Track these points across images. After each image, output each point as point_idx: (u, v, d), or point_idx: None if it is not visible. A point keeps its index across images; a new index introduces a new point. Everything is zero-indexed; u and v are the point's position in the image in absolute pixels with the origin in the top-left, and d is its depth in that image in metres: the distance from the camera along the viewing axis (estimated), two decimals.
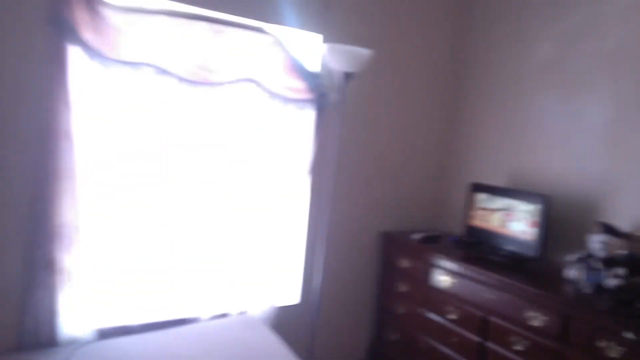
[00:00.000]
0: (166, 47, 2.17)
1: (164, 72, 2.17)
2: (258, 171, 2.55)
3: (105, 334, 2.26)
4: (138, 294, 2.35)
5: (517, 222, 2.65)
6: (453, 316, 2.63)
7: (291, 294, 2.97)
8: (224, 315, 2.60)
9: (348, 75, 2.45)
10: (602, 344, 1.99)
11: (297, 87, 2.51)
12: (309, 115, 2.60)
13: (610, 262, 2.25)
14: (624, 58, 2.46)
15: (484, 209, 2.85)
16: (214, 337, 2.29)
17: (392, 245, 3.12)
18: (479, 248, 2.81)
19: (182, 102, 2.28)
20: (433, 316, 2.76)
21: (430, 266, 2.79)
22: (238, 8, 2.35)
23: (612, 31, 2.51)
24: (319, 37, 2.70)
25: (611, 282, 2.21)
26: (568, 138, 2.69)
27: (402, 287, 2.98)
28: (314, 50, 2.76)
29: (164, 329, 2.32)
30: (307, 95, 2.55)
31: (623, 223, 2.38)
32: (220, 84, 2.32)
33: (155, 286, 2.38)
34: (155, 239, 2.34)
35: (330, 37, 2.65)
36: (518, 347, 2.30)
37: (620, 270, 2.20)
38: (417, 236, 2.99)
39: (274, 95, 2.45)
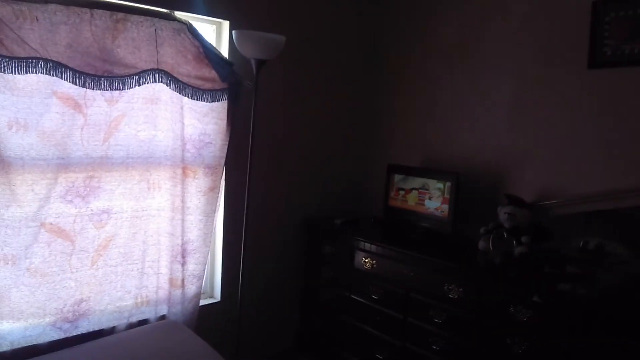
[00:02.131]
0: (61, 39, 1.95)
1: (60, 66, 1.95)
2: (169, 165, 2.40)
3: (7, 359, 2.04)
4: (42, 306, 2.13)
5: (431, 200, 2.78)
6: (376, 296, 2.70)
7: (211, 292, 2.89)
8: (142, 323, 2.45)
9: (260, 62, 2.37)
10: (513, 309, 2.14)
11: (209, 76, 2.39)
12: (221, 106, 2.48)
13: (516, 231, 2.43)
14: (526, 38, 2.63)
15: (401, 189, 2.94)
16: (135, 346, 2.14)
17: (315, 232, 3.13)
18: (397, 228, 2.91)
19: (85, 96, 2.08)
20: (358, 298, 2.82)
21: (352, 249, 2.84)
22: None
23: (515, 12, 2.67)
24: (226, 24, 2.60)
25: (518, 250, 2.39)
26: (476, 117, 2.85)
27: (327, 273, 3.00)
28: (222, 38, 2.65)
29: (76, 345, 2.14)
30: (218, 85, 2.43)
31: (528, 194, 2.57)
32: (125, 76, 2.13)
33: (61, 294, 2.18)
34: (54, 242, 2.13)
35: (238, 24, 2.55)
36: (437, 320, 2.42)
37: (525, 239, 2.38)
38: (338, 221, 3.02)
39: (184, 85, 2.31)
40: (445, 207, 2.69)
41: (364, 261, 2.76)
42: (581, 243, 2.37)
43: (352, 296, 2.84)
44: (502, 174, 2.73)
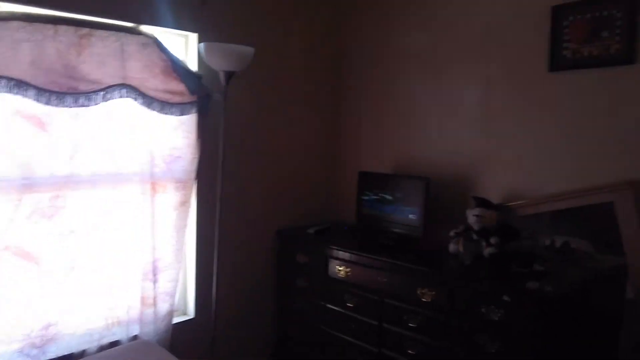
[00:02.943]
0: (24, 57, 1.90)
1: (23, 84, 1.89)
2: (137, 180, 2.36)
3: None
4: (8, 332, 2.05)
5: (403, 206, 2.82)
6: (351, 304, 2.72)
7: (185, 309, 2.84)
8: (113, 344, 2.38)
9: (229, 75, 2.37)
10: (484, 308, 2.19)
11: (177, 89, 2.37)
12: (191, 119, 2.46)
13: (484, 232, 2.50)
14: (489, 43, 2.71)
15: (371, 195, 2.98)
16: None
17: (288, 242, 3.12)
18: (370, 234, 2.94)
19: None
20: (332, 307, 2.82)
21: (326, 258, 2.84)
22: (104, 10, 2.15)
23: (477, 18, 2.75)
24: (194, 37, 2.58)
25: (487, 251, 2.46)
26: (443, 122, 2.91)
27: (302, 283, 3.00)
28: (190, 50, 2.63)
29: None
30: (187, 98, 2.41)
31: (495, 196, 2.65)
32: (90, 92, 2.09)
33: (27, 319, 2.09)
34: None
35: (206, 36, 2.54)
36: (412, 324, 2.44)
37: (494, 239, 2.45)
38: (311, 230, 3.03)
39: (151, 100, 2.28)
40: (417, 212, 2.74)
41: (339, 269, 2.77)
42: (548, 241, 2.47)
43: (328, 305, 2.84)
44: (471, 177, 2.80)
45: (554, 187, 2.49)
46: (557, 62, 2.44)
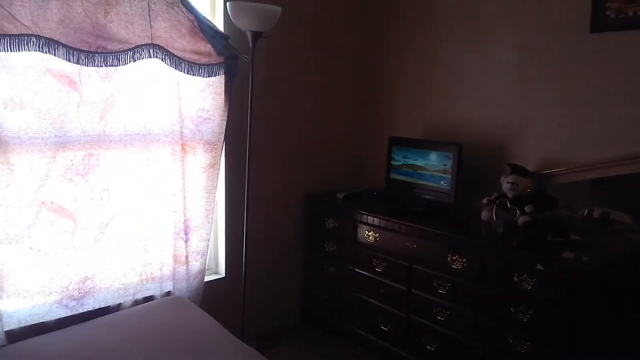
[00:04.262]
0: (53, 15, 1.92)
1: (52, 43, 1.92)
2: (167, 141, 2.39)
3: (15, 336, 2.07)
4: (47, 284, 2.15)
5: (434, 172, 2.75)
6: (380, 269, 2.71)
7: (216, 268, 2.91)
8: (147, 299, 2.47)
9: (256, 35, 2.33)
10: (516, 278, 2.13)
11: (204, 50, 2.35)
12: (219, 81, 2.45)
13: (519, 200, 2.41)
14: (526, 4, 2.56)
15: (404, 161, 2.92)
16: (141, 323, 2.16)
17: (317, 206, 3.12)
18: (399, 200, 2.90)
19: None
20: (361, 271, 2.82)
21: (355, 223, 2.83)
22: None
23: None
24: None
25: (521, 219, 2.37)
26: (477, 86, 2.80)
27: (330, 247, 3.01)
28: (217, 11, 2.60)
29: (84, 322, 2.16)
30: (215, 59, 2.39)
31: (531, 163, 2.54)
32: (119, 52, 2.10)
33: (65, 272, 2.19)
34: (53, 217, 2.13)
35: None
36: (441, 291, 2.42)
37: (529, 208, 2.36)
38: (340, 195, 3.01)
39: (179, 60, 2.28)
40: (448, 178, 2.66)
41: (367, 235, 2.76)
42: (585, 211, 2.36)
43: (356, 269, 2.85)
44: (505, 143, 2.69)
45: (593, 154, 2.36)
46: (600, 23, 2.29)
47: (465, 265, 2.32)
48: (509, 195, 2.43)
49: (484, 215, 2.52)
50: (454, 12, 2.86)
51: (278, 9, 2.30)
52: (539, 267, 2.06)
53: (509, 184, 2.43)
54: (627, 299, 2.14)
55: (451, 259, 2.37)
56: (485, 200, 2.53)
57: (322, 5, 3.04)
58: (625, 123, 2.27)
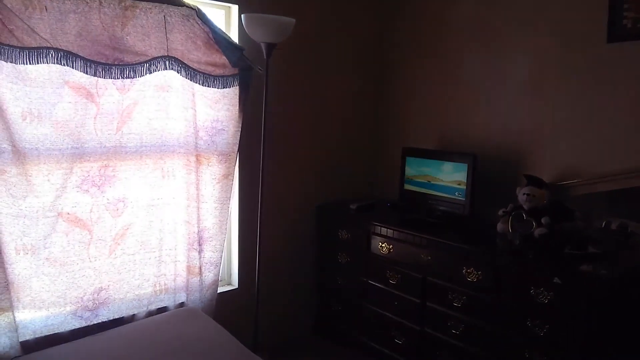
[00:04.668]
0: (71, 28, 1.95)
1: (70, 55, 1.94)
2: (182, 152, 2.40)
3: (30, 347, 2.07)
4: (62, 295, 2.16)
5: (448, 183, 2.73)
6: (393, 281, 2.68)
7: (229, 279, 2.90)
8: (161, 310, 2.47)
9: (270, 47, 2.34)
10: (533, 291, 2.10)
11: (219, 62, 2.37)
12: (233, 92, 2.46)
13: (535, 212, 2.38)
14: (543, 13, 2.55)
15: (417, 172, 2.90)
16: (155, 334, 2.16)
17: (330, 217, 3.11)
18: (413, 212, 2.88)
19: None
20: (375, 283, 2.80)
21: (368, 234, 2.81)
22: None
23: None
24: (235, 8, 2.57)
25: (537, 231, 2.34)
26: (492, 97, 2.78)
27: (343, 258, 2.99)
28: (231, 23, 2.62)
29: (98, 333, 2.16)
30: (229, 71, 2.41)
31: (547, 174, 2.52)
32: (135, 64, 2.12)
33: (80, 283, 2.20)
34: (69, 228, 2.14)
35: (247, 8, 2.52)
36: (456, 304, 2.39)
37: (545, 219, 2.33)
38: (353, 206, 3.00)
39: (194, 72, 2.30)
40: (463, 189, 2.64)
41: (381, 246, 2.74)
42: (603, 223, 2.32)
43: (370, 281, 2.83)
44: (521, 154, 2.66)
45: (611, 165, 2.33)
46: (616, 33, 2.27)
47: (480, 277, 2.30)
48: (525, 206, 2.40)
49: (500, 227, 2.49)
50: (469, 23, 2.86)
51: (292, 20, 2.31)
52: (556, 280, 2.03)
53: (525, 195, 2.40)
54: None
55: (466, 271, 2.34)
56: (500, 212, 2.50)
57: (336, 17, 3.05)
58: None
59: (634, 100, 2.27)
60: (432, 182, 2.80)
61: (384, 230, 2.72)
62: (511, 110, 2.70)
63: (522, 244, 2.34)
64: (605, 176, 2.35)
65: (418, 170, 2.88)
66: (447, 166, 2.72)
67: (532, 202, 2.38)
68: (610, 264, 2.00)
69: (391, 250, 2.69)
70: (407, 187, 2.94)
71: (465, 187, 2.62)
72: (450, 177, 2.71)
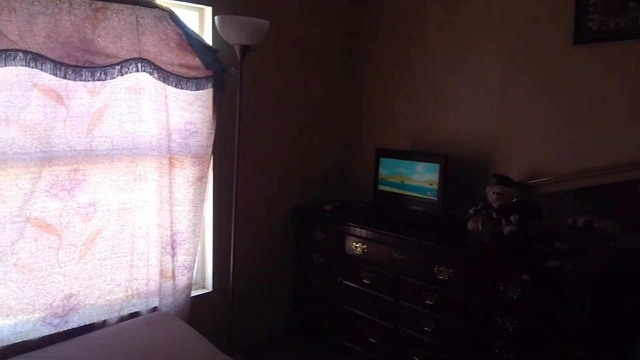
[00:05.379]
0: (40, 30, 1.91)
1: (40, 58, 1.90)
2: (155, 155, 2.37)
3: None
4: (31, 302, 2.11)
5: (420, 183, 2.78)
6: (367, 280, 2.71)
7: (203, 283, 2.88)
8: (133, 315, 2.43)
9: (244, 49, 2.34)
10: (503, 287, 2.16)
11: (193, 64, 2.35)
12: (207, 94, 2.45)
13: (504, 210, 2.45)
14: (509, 15, 2.62)
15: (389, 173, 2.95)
16: (127, 339, 2.13)
17: (305, 218, 3.12)
18: (387, 212, 2.92)
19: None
20: (349, 283, 2.83)
21: (343, 235, 2.84)
22: None
23: None
24: (209, 10, 2.56)
25: (507, 229, 2.41)
26: (462, 98, 2.85)
27: (319, 259, 3.01)
28: (205, 24, 2.61)
29: (68, 340, 2.11)
30: (203, 73, 2.40)
31: (516, 173, 2.59)
32: (106, 66, 2.09)
33: (50, 289, 2.15)
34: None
35: (221, 9, 2.51)
36: (428, 301, 2.43)
37: (514, 217, 2.40)
38: (328, 207, 3.02)
39: (167, 74, 2.28)
40: (434, 189, 2.70)
41: (355, 246, 2.77)
42: (570, 220, 2.40)
43: (344, 281, 2.85)
44: (490, 154, 2.74)
45: (577, 164, 2.42)
46: (582, 34, 2.35)
47: (452, 275, 2.35)
48: (495, 205, 2.47)
49: (470, 225, 2.55)
50: (439, 26, 2.91)
51: (266, 22, 2.32)
52: (524, 276, 2.09)
53: (495, 194, 2.46)
54: (612, 306, 2.18)
55: (438, 269, 2.39)
56: (471, 211, 2.56)
57: (309, 18, 3.07)
58: (608, 133, 2.33)
59: (598, 100, 2.35)
60: (405, 183, 2.85)
61: (358, 231, 2.75)
62: (480, 111, 2.77)
63: (492, 242, 2.40)
64: (571, 175, 2.43)
65: (391, 171, 2.92)
66: (420, 167, 2.78)
67: (502, 200, 2.45)
68: (577, 260, 2.07)
69: (365, 250, 2.72)
70: (381, 187, 2.98)
71: (437, 187, 2.68)
72: (423, 177, 2.76)
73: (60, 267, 2.16)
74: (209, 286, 2.84)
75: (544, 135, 2.54)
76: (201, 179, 2.52)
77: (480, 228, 2.50)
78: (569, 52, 2.41)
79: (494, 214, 2.47)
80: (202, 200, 2.55)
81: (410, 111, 3.10)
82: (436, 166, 2.68)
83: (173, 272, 2.50)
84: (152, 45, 2.23)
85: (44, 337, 2.15)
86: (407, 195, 2.84)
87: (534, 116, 2.57)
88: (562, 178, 2.46)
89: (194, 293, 2.70)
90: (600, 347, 2.10)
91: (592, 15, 2.31)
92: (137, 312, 2.46)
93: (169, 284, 2.51)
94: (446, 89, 2.91)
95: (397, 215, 2.82)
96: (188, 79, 2.35)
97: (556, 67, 2.47)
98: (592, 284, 2.06)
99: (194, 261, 2.60)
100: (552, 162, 2.51)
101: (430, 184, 2.71)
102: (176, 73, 2.31)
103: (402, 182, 2.87)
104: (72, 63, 2.01)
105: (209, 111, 2.47)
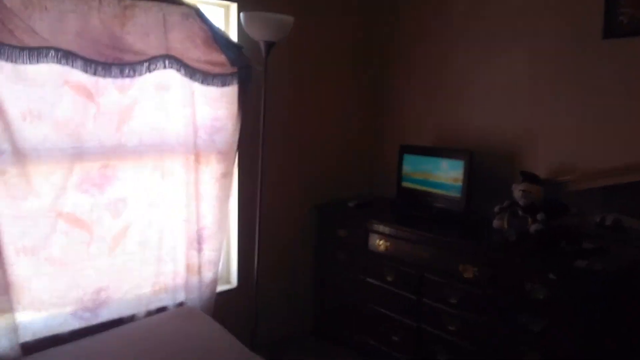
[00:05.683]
0: (70, 28, 1.93)
1: (70, 55, 1.93)
2: (182, 151, 2.39)
3: (30, 348, 2.06)
4: (62, 295, 2.15)
5: (445, 180, 2.76)
6: (390, 278, 2.71)
7: (228, 278, 2.91)
8: (160, 310, 2.47)
9: (269, 45, 2.35)
10: (528, 287, 2.14)
11: (218, 60, 2.36)
12: (232, 91, 2.46)
13: (531, 208, 2.42)
14: (538, 9, 2.58)
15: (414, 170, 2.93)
16: (155, 334, 2.16)
17: (328, 215, 3.12)
18: (411, 208, 2.90)
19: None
20: (372, 281, 2.82)
21: (366, 232, 2.83)
22: None
23: None
24: (234, 7, 2.57)
25: (533, 227, 2.38)
26: (488, 94, 2.81)
27: (342, 256, 3.01)
28: (230, 21, 2.62)
29: (97, 334, 2.15)
30: (229, 69, 2.41)
31: (543, 170, 2.56)
32: (135, 63, 2.11)
33: (80, 283, 2.19)
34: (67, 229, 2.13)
35: (246, 6, 2.52)
36: (452, 300, 2.42)
37: (541, 215, 2.37)
38: (351, 204, 3.01)
39: (194, 71, 2.29)
40: (460, 186, 2.67)
41: (379, 243, 2.76)
42: (598, 219, 2.36)
43: (367, 279, 2.85)
44: (517, 151, 2.70)
45: (606, 161, 2.38)
46: (613, 29, 2.30)
47: (476, 274, 2.33)
48: (521, 203, 2.44)
49: (496, 223, 2.53)
50: (466, 20, 2.88)
51: (291, 19, 2.32)
52: (551, 276, 2.06)
53: (521, 191, 2.43)
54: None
55: (462, 267, 2.38)
56: (496, 208, 2.54)
57: (332, 13, 3.06)
58: (638, 130, 2.29)
59: (628, 96, 2.31)
60: (429, 179, 2.83)
61: (381, 228, 2.74)
62: (507, 107, 2.74)
63: (517, 240, 2.38)
64: (599, 172, 2.39)
65: (415, 168, 2.91)
66: (444, 163, 2.75)
67: (528, 198, 2.42)
68: (605, 259, 2.04)
69: (389, 247, 2.72)
70: (405, 184, 2.96)
71: (461, 184, 2.66)
72: (447, 174, 2.74)
73: (90, 261, 2.20)
74: (233, 282, 2.86)
75: (572, 131, 2.50)
76: (226, 175, 2.53)
77: (505, 226, 2.48)
78: (599, 46, 2.37)
79: (520, 212, 2.44)
80: (228, 196, 2.57)
81: (435, 107, 3.08)
82: (461, 163, 2.66)
83: (199, 267, 2.53)
84: (179, 42, 2.24)
85: (74, 330, 2.19)
86: (431, 192, 2.82)
87: (562, 112, 2.53)
88: (590, 175, 2.42)
89: (219, 288, 2.72)
90: (630, 345, 2.07)
91: (623, 8, 2.25)
92: (164, 306, 2.49)
93: (195, 279, 2.53)
94: (472, 84, 2.88)
95: (421, 213, 2.81)
96: (214, 75, 2.37)
97: (586, 62, 2.43)
98: (620, 283, 2.03)
99: (220, 257, 2.62)
100: (580, 159, 2.47)
101: (455, 181, 2.69)
102: (203, 70, 2.32)
103: (426, 179, 2.85)
104: (102, 60, 2.03)
105: (234, 107, 2.49)
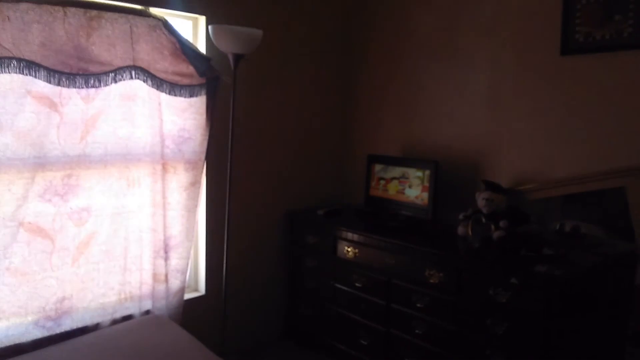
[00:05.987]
0: (34, 38, 1.94)
1: (33, 65, 1.94)
2: (148, 161, 2.41)
3: None
4: (24, 305, 2.13)
5: (412, 189, 2.82)
6: (359, 284, 2.74)
7: (196, 286, 2.91)
8: (126, 318, 2.46)
9: (238, 57, 2.38)
10: (492, 291, 2.19)
11: (186, 71, 2.39)
12: (200, 101, 2.48)
13: (493, 216, 2.48)
14: (499, 26, 2.67)
15: (382, 178, 2.98)
16: (120, 342, 2.15)
17: (298, 223, 3.15)
18: (378, 216, 2.95)
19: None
20: (341, 287, 2.85)
21: (335, 239, 2.86)
22: None
23: (488, 1, 2.70)
24: (203, 19, 2.60)
25: (496, 234, 2.44)
26: (453, 106, 2.88)
27: (311, 263, 3.03)
28: (199, 33, 2.65)
29: (61, 343, 2.14)
30: (196, 80, 2.43)
31: (505, 179, 2.63)
32: (100, 74, 2.13)
33: (43, 292, 2.18)
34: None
35: (215, 19, 2.55)
36: (419, 304, 2.46)
37: (503, 223, 2.43)
38: (321, 212, 3.05)
39: (161, 82, 2.31)
40: (425, 195, 2.73)
41: (347, 250, 2.79)
42: (557, 226, 2.43)
43: (336, 285, 2.88)
44: (480, 161, 2.77)
45: (565, 171, 2.45)
46: (569, 46, 2.39)
47: (442, 279, 2.37)
48: (484, 210, 2.50)
49: (460, 230, 2.58)
50: (431, 35, 2.95)
51: (259, 32, 2.35)
52: (513, 280, 2.12)
53: (484, 200, 2.49)
54: (599, 309, 2.21)
55: (429, 273, 2.42)
56: (461, 216, 2.59)
57: (302, 27, 3.11)
58: (595, 141, 2.37)
59: (585, 110, 2.39)
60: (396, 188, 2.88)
61: (350, 235, 2.78)
62: (471, 119, 2.81)
63: (481, 247, 2.43)
64: (558, 181, 2.46)
65: (383, 177, 2.95)
66: (411, 172, 2.81)
67: (491, 206, 2.48)
68: (563, 265, 2.10)
69: (357, 254, 2.75)
70: (373, 193, 3.01)
71: (427, 193, 2.71)
72: (414, 182, 2.79)
73: (53, 271, 2.19)
74: (202, 289, 2.86)
75: (533, 142, 2.57)
76: (194, 184, 2.55)
77: (469, 233, 2.53)
78: (557, 62, 2.46)
79: (484, 220, 2.50)
80: (196, 205, 2.58)
81: (402, 118, 3.14)
82: (427, 172, 2.71)
83: (166, 275, 2.53)
84: (146, 53, 2.26)
85: (36, 340, 2.17)
86: (399, 200, 2.87)
87: (522, 124, 2.61)
88: (550, 184, 2.49)
89: (187, 296, 2.73)
90: (587, 346, 2.13)
91: (579, 27, 2.35)
92: (130, 315, 2.48)
93: (162, 287, 2.53)
94: (438, 96, 2.95)
95: (388, 220, 2.85)
96: (182, 86, 2.39)
97: (544, 76, 2.52)
98: (577, 287, 2.09)
99: (187, 265, 2.62)
100: (540, 169, 2.54)
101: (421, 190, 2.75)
102: (170, 80, 2.34)
103: (393, 187, 2.90)
104: (66, 70, 2.04)
105: (202, 118, 2.51)
